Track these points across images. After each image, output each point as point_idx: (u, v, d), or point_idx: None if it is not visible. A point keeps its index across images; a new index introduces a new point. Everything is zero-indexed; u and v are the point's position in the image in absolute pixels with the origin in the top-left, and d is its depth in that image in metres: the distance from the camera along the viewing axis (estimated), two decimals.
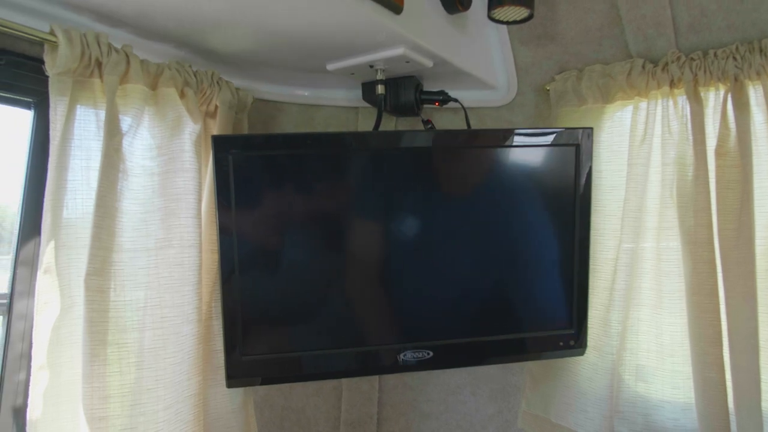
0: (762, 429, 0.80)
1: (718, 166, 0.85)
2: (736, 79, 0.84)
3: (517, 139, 0.84)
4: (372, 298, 0.85)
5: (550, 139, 0.85)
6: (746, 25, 0.84)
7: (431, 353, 0.86)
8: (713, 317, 0.83)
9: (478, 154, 0.85)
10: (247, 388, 0.89)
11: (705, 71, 0.85)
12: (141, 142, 0.75)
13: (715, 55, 0.85)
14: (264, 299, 0.81)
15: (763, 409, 0.80)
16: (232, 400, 0.87)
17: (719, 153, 0.85)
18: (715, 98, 0.87)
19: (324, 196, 0.82)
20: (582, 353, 0.93)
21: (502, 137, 0.84)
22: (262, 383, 0.83)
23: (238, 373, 0.80)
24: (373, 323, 0.86)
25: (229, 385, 0.80)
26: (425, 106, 1.00)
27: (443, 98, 0.96)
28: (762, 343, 0.80)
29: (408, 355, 0.85)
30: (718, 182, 0.85)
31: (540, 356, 0.94)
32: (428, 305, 0.87)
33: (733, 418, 0.83)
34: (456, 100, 0.96)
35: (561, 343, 0.91)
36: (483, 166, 0.86)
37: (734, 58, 0.83)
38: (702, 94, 0.87)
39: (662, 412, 0.90)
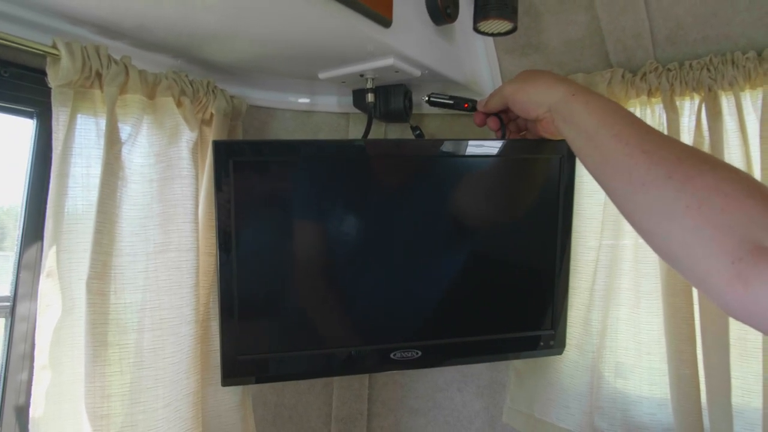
0: (732, 423, 0.84)
1: None
2: (709, 90, 0.87)
3: (507, 149, 0.87)
4: (367, 299, 0.88)
5: (537, 148, 0.88)
6: (720, 38, 0.88)
7: (420, 353, 0.89)
8: (687, 317, 0.87)
9: (469, 163, 0.88)
10: (245, 386, 0.92)
11: (681, 81, 0.89)
12: (140, 150, 0.78)
13: (690, 66, 0.89)
14: (261, 301, 0.84)
15: (733, 404, 0.84)
16: (230, 397, 0.89)
17: None
18: (690, 107, 0.91)
19: (320, 201, 0.85)
20: (560, 353, 0.97)
21: (493, 147, 0.87)
22: (256, 382, 0.86)
23: (233, 372, 0.82)
24: (367, 324, 0.89)
25: (225, 383, 0.83)
26: (415, 112, 1.03)
27: (472, 104, 0.93)
28: (732, 341, 0.84)
29: (398, 355, 0.88)
30: None
31: (521, 355, 0.98)
32: (417, 307, 0.90)
33: (705, 412, 0.87)
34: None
35: (541, 343, 0.95)
36: (473, 175, 0.90)
37: (708, 70, 0.87)
38: (678, 103, 0.91)
39: (640, 407, 0.94)
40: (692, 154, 0.54)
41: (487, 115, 0.86)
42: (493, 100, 0.82)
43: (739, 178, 0.49)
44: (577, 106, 0.67)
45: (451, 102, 0.96)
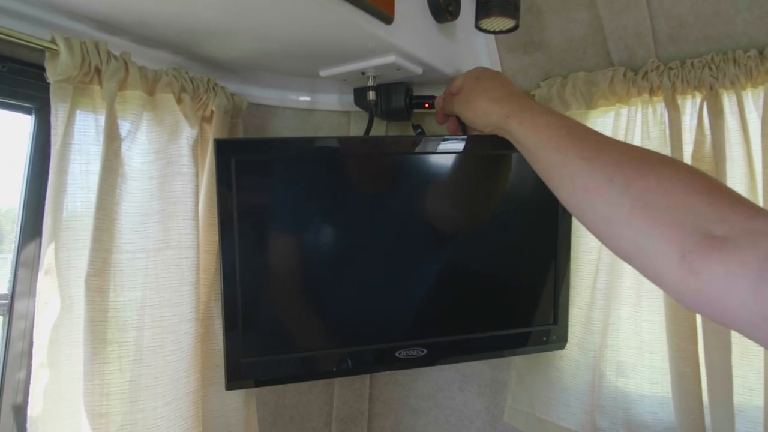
0: (734, 421, 0.84)
1: None
2: (711, 88, 0.87)
3: (506, 145, 0.87)
4: (371, 298, 0.88)
5: None
6: (721, 37, 0.88)
7: (425, 350, 0.89)
8: (688, 315, 0.87)
9: (469, 160, 0.88)
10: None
11: (682, 80, 0.89)
12: (139, 147, 0.77)
13: (692, 64, 0.89)
14: (264, 302, 0.83)
15: (735, 402, 0.84)
16: (233, 398, 0.89)
17: (695, 158, 0.89)
18: (691, 106, 0.91)
19: (322, 199, 0.84)
20: (563, 347, 0.98)
21: (492, 145, 0.87)
22: (256, 385, 0.85)
23: (237, 376, 0.81)
24: (372, 323, 0.89)
25: (229, 387, 0.82)
26: (416, 110, 1.02)
27: (433, 101, 0.99)
28: (733, 339, 0.84)
29: (403, 353, 0.88)
30: None
31: (525, 351, 0.97)
32: (422, 305, 0.90)
33: (707, 411, 0.87)
34: None
35: (544, 338, 0.95)
36: (473, 171, 0.90)
37: (710, 68, 0.87)
38: (679, 101, 0.91)
39: (641, 406, 0.94)
40: (633, 155, 0.55)
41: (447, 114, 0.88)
42: (446, 107, 0.85)
43: (681, 174, 0.50)
44: (512, 127, 0.69)
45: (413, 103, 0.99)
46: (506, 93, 0.74)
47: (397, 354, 0.87)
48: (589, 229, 0.59)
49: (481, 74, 0.80)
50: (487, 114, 0.74)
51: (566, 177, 0.59)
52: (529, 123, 0.67)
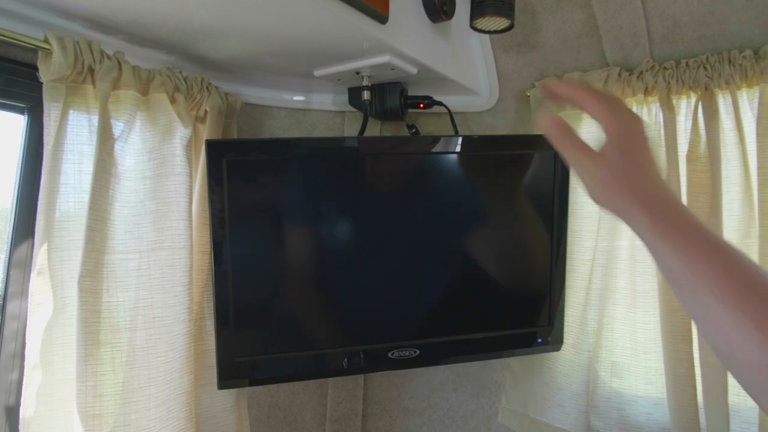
0: (728, 421, 0.84)
1: (689, 171, 0.89)
2: (706, 88, 0.87)
3: (501, 145, 0.87)
4: (364, 299, 0.88)
5: (531, 144, 0.88)
6: (716, 37, 0.88)
7: (418, 351, 0.89)
8: (683, 316, 0.87)
9: (464, 160, 0.88)
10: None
11: (677, 80, 0.89)
12: (133, 147, 0.77)
13: (687, 65, 0.89)
14: (256, 302, 0.83)
15: (729, 402, 0.84)
16: (225, 398, 0.88)
17: (690, 158, 0.89)
18: (686, 106, 0.91)
19: (315, 200, 0.84)
20: (558, 349, 0.97)
21: (488, 144, 0.87)
22: (251, 384, 0.85)
23: (229, 375, 0.81)
24: (364, 324, 0.88)
25: (221, 386, 0.82)
26: (410, 110, 1.02)
27: (429, 102, 0.99)
28: None
29: (396, 354, 0.88)
30: (688, 186, 0.89)
31: (520, 352, 0.97)
32: (415, 306, 0.90)
33: (702, 411, 0.87)
34: (441, 104, 0.99)
35: (539, 340, 0.95)
36: (468, 172, 0.89)
37: (705, 68, 0.87)
38: (674, 101, 0.91)
39: (636, 406, 0.94)
40: None
41: None
42: (558, 138, 0.50)
43: None
44: (661, 249, 0.49)
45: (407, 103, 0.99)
46: (647, 198, 0.53)
47: (389, 355, 0.87)
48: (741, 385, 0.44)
49: (635, 142, 0.47)
50: (628, 217, 0.50)
51: (721, 330, 0.43)
52: (681, 248, 0.48)
